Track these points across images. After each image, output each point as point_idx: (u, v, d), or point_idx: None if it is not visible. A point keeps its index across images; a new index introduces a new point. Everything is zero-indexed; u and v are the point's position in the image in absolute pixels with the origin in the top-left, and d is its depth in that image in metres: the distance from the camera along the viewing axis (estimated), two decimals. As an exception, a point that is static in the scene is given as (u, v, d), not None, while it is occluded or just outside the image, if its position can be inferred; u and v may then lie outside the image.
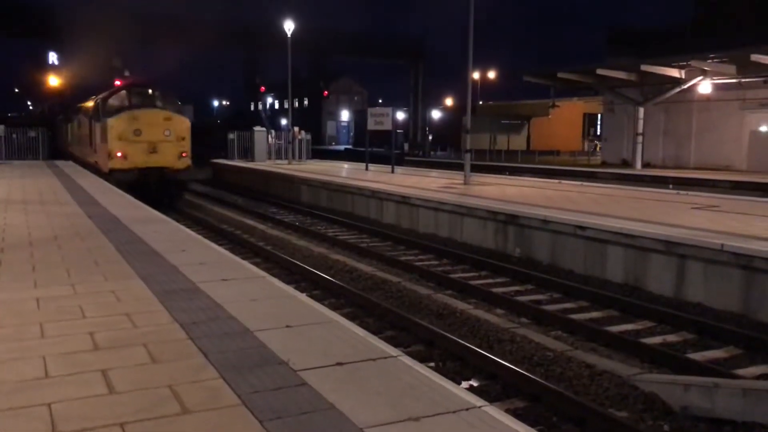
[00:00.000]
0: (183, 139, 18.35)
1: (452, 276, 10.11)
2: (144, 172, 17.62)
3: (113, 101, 18.89)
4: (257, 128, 30.87)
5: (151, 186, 17.48)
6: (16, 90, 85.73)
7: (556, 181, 20.57)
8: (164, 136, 17.95)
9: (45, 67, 42.01)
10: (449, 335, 6.93)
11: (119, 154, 17.51)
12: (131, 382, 3.47)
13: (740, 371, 6.26)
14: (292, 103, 35.11)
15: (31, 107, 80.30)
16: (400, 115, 45.08)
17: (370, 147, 25.50)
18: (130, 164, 17.51)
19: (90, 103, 22.05)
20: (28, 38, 44.34)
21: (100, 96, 20.28)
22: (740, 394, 5.25)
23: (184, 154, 18.40)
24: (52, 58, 41.91)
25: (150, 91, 19.19)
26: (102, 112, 18.61)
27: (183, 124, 18.59)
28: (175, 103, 19.81)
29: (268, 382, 3.46)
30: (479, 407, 3.24)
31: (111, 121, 17.78)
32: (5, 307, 4.92)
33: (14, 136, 26.69)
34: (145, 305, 4.99)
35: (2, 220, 9.65)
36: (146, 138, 17.70)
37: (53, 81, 41.63)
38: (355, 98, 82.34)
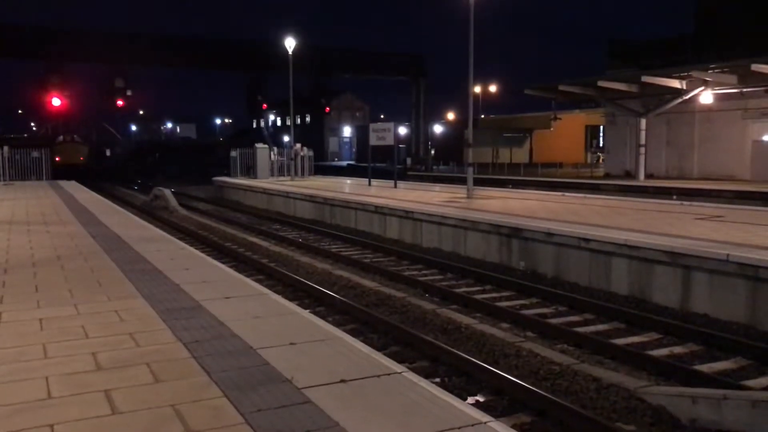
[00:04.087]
0: (84, 153, 44.14)
1: (456, 290, 10.07)
2: (67, 164, 39.19)
3: (59, 138, 44.14)
4: (259, 145, 30.93)
5: (68, 169, 36.16)
6: (19, 111, 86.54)
7: (559, 193, 20.53)
8: (75, 151, 43.30)
9: (47, 88, 42.73)
10: (454, 350, 6.88)
11: (58, 158, 38.44)
12: (134, 402, 3.46)
13: (749, 382, 6.20)
14: (294, 120, 35.39)
15: (34, 128, 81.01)
16: (402, 130, 45.24)
17: (373, 162, 25.55)
18: (62, 161, 39.14)
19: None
20: (30, 60, 44.90)
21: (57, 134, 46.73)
22: (749, 405, 5.19)
23: (82, 158, 43.21)
24: (54, 79, 42.65)
25: (72, 134, 45.95)
26: (54, 142, 42.82)
27: (84, 147, 45.00)
28: (81, 141, 46.19)
29: (271, 400, 3.44)
30: (485, 423, 3.22)
31: (56, 146, 40.97)
32: (8, 328, 4.92)
33: (17, 157, 26.85)
34: (147, 324, 4.98)
35: (6, 240, 9.67)
36: (68, 152, 41.97)
37: (55, 102, 42.75)
38: (357, 114, 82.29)
